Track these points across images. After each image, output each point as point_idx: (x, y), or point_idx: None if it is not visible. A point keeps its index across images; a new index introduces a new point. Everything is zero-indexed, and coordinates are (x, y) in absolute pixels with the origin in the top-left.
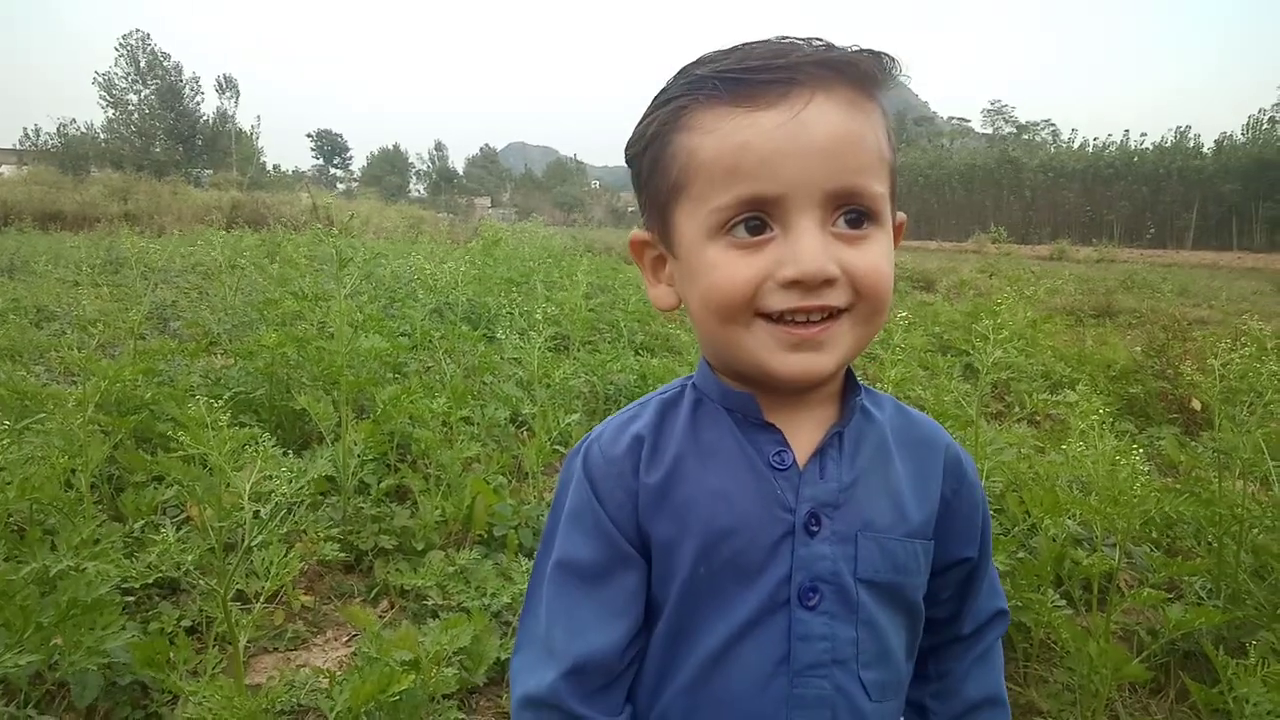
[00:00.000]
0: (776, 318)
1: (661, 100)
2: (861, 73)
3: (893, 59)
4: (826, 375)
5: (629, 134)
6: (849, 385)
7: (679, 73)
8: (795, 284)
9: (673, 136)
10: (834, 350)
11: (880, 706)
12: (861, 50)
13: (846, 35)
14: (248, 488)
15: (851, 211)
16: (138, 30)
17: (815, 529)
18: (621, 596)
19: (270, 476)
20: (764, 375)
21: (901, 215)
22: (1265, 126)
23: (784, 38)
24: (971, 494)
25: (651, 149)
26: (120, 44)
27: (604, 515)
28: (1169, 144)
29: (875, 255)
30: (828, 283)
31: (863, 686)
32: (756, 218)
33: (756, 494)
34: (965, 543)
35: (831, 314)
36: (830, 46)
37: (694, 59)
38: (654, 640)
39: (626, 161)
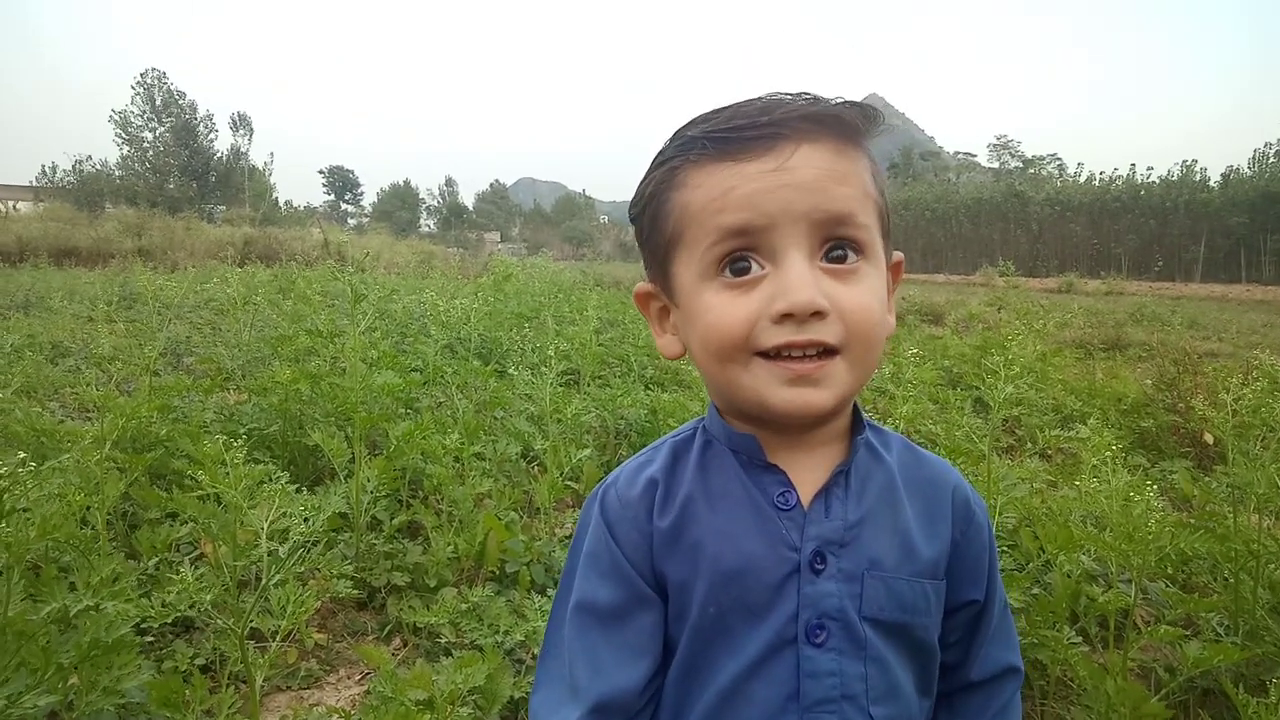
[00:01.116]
0: (773, 354)
1: (658, 162)
2: (845, 124)
3: (876, 111)
4: (825, 411)
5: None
6: (855, 424)
7: (673, 135)
8: (787, 317)
9: (668, 194)
10: (831, 387)
11: None
12: (846, 103)
13: (851, 76)
14: (265, 526)
15: (838, 246)
16: (154, 69)
17: (821, 567)
18: (641, 636)
19: (286, 514)
20: (764, 411)
21: (899, 254)
22: (1272, 160)
23: (774, 94)
24: (980, 535)
25: (650, 208)
26: (137, 82)
27: (621, 557)
28: (1175, 178)
29: (863, 292)
30: (818, 315)
31: None
32: (744, 257)
33: (761, 534)
34: (972, 585)
35: (826, 351)
36: (816, 100)
37: (686, 122)
38: (668, 678)
39: (630, 220)
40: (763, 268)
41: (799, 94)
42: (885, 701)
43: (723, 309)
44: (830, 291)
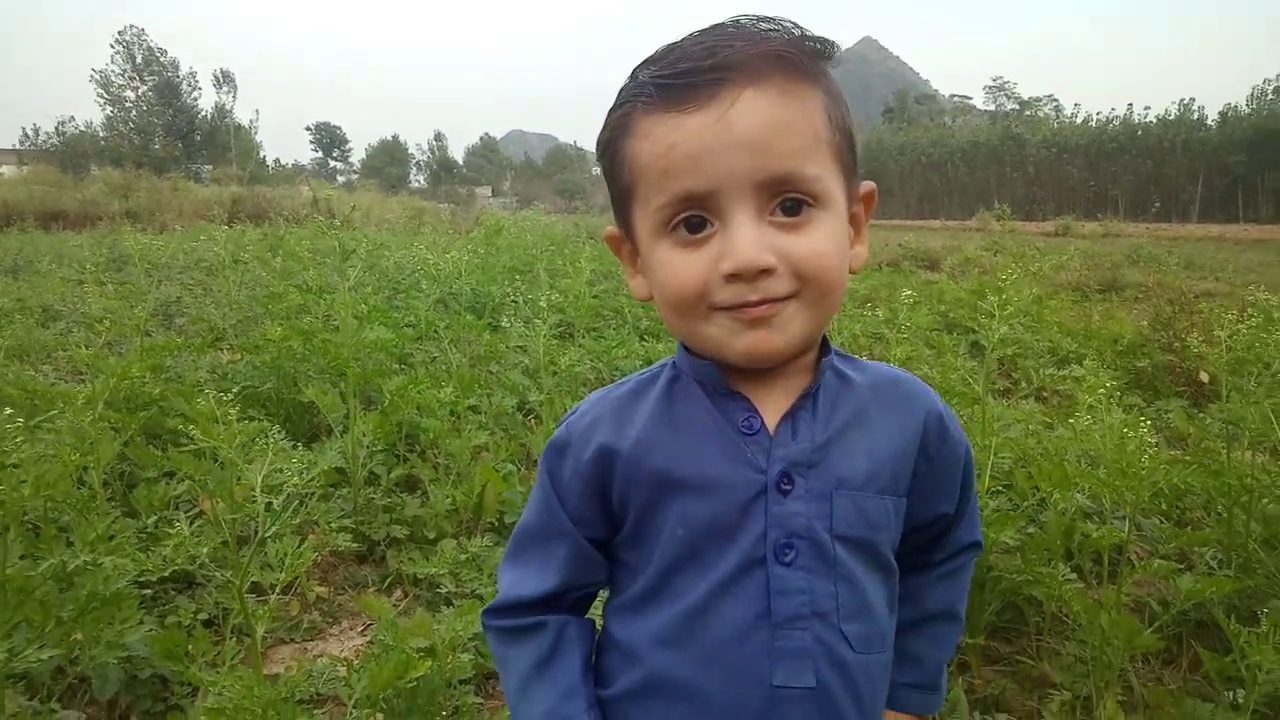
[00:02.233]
0: (729, 309)
1: (615, 105)
2: (791, 61)
3: (828, 42)
4: (778, 353)
5: None
6: (823, 350)
7: (630, 75)
8: (735, 277)
9: (622, 142)
10: (785, 330)
11: (864, 659)
12: (797, 37)
13: (845, 20)
14: (259, 480)
15: (788, 199)
16: (132, 26)
17: (788, 488)
18: (555, 556)
19: (281, 469)
20: (723, 359)
21: (868, 184)
22: (1270, 97)
23: (723, 27)
24: (954, 451)
25: (608, 154)
26: (116, 40)
27: (553, 494)
28: (1173, 116)
29: (816, 239)
30: (765, 272)
31: (845, 638)
32: (695, 215)
33: (726, 458)
34: (944, 498)
35: (778, 299)
36: (768, 35)
37: (641, 61)
38: (630, 597)
39: (598, 162)
40: (713, 225)
41: (755, 21)
42: (857, 619)
43: (676, 266)
44: (779, 244)
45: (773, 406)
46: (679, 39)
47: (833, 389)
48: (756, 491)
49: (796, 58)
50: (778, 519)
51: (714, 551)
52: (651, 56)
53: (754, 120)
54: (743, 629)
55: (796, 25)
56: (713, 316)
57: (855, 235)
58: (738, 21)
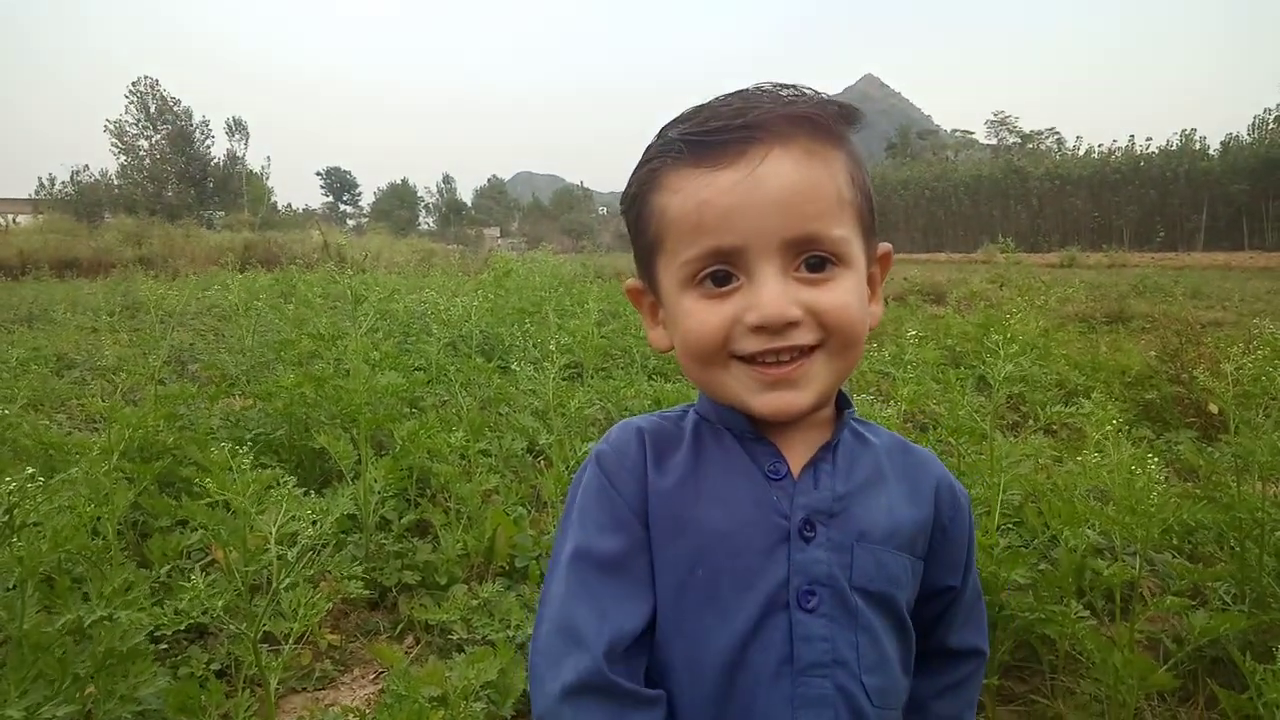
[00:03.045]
0: (750, 359)
1: (642, 161)
2: (818, 123)
3: (853, 108)
4: (804, 410)
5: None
6: (842, 405)
7: (658, 133)
8: (761, 328)
9: (650, 196)
10: (809, 386)
11: (881, 713)
12: (821, 100)
13: (846, 58)
14: (274, 531)
15: (813, 257)
16: (146, 77)
17: (810, 535)
18: (641, 583)
19: (295, 517)
20: (746, 411)
21: (885, 245)
22: (1271, 126)
23: (753, 89)
24: (963, 524)
25: (634, 207)
26: (130, 91)
27: (622, 503)
28: (1175, 147)
29: (840, 293)
30: (791, 325)
31: (864, 690)
32: (722, 269)
33: (752, 501)
34: (951, 572)
35: (803, 351)
36: (792, 99)
37: (671, 119)
38: (655, 637)
39: (622, 216)
40: (739, 279)
41: (778, 88)
42: (876, 672)
43: (700, 316)
44: (804, 298)
45: (795, 455)
46: (707, 100)
47: (850, 446)
48: (780, 537)
49: (822, 120)
50: (800, 565)
51: (733, 596)
52: (680, 116)
53: (782, 179)
54: (767, 676)
55: (818, 92)
56: (732, 366)
57: (871, 295)
58: (761, 87)
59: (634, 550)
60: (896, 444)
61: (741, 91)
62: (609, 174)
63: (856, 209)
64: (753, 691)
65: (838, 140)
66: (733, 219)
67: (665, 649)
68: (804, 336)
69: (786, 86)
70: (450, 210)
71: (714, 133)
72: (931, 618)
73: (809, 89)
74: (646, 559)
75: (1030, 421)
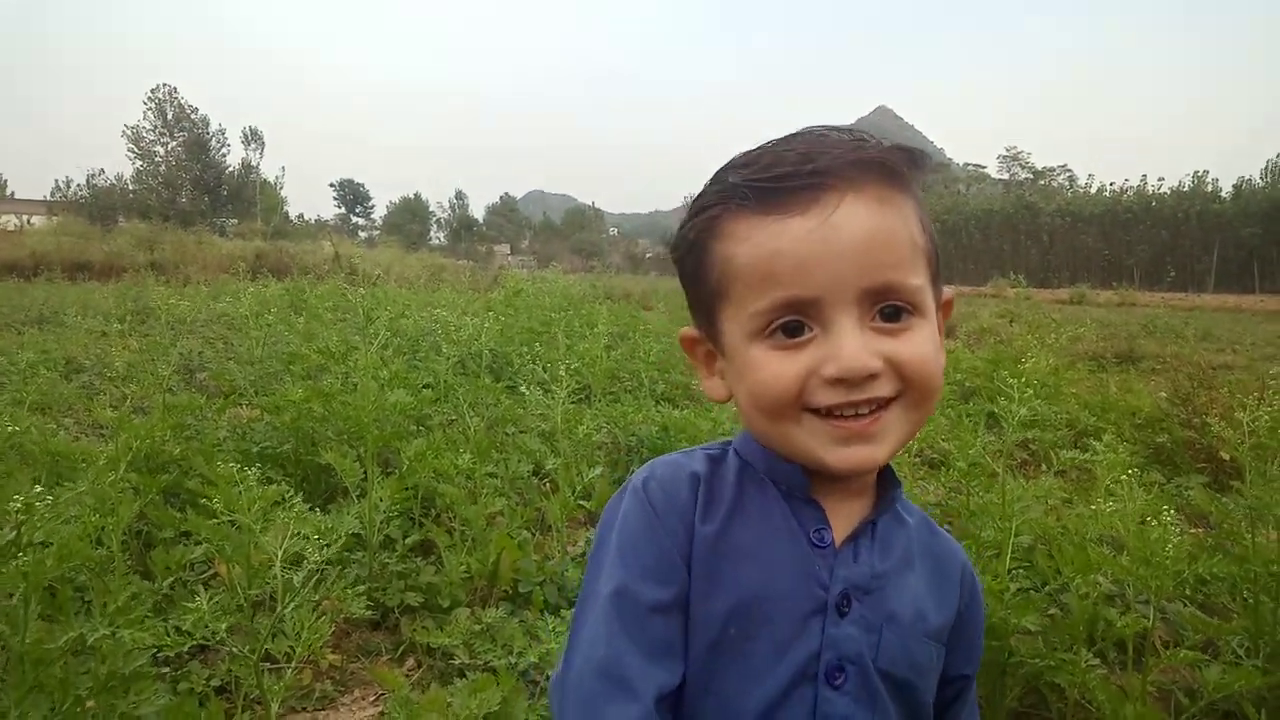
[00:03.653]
0: (825, 412)
1: (698, 208)
2: (889, 169)
3: (922, 152)
4: (879, 465)
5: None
6: (888, 478)
7: (713, 179)
8: (840, 381)
9: (710, 244)
10: (885, 441)
11: None
12: (891, 146)
13: (859, 89)
14: (279, 552)
15: (889, 306)
16: (164, 84)
17: (846, 610)
18: (679, 635)
19: (301, 535)
20: (819, 467)
21: (948, 293)
22: None
23: (815, 133)
24: (979, 613)
25: (692, 255)
26: (149, 97)
27: (670, 547)
28: (1187, 188)
29: (918, 343)
30: (871, 377)
31: None
32: (795, 320)
33: (795, 565)
34: (966, 660)
35: (880, 404)
36: (860, 144)
37: (727, 162)
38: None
39: (672, 261)
40: (813, 330)
41: (841, 133)
42: None
43: (773, 368)
44: (882, 349)
45: (837, 523)
46: (763, 145)
47: (887, 523)
48: (816, 608)
49: (893, 165)
50: (833, 640)
51: (765, 661)
52: (737, 161)
53: (858, 228)
54: None
55: (874, 136)
56: (804, 420)
57: None
58: (814, 130)
59: (679, 601)
60: (925, 525)
61: (801, 135)
62: (620, 196)
63: (928, 256)
64: None
65: (907, 186)
66: (808, 269)
67: (691, 705)
68: (883, 389)
69: (845, 130)
70: (462, 226)
71: (781, 179)
72: (940, 705)
73: (863, 132)
74: (685, 612)
75: (1040, 462)
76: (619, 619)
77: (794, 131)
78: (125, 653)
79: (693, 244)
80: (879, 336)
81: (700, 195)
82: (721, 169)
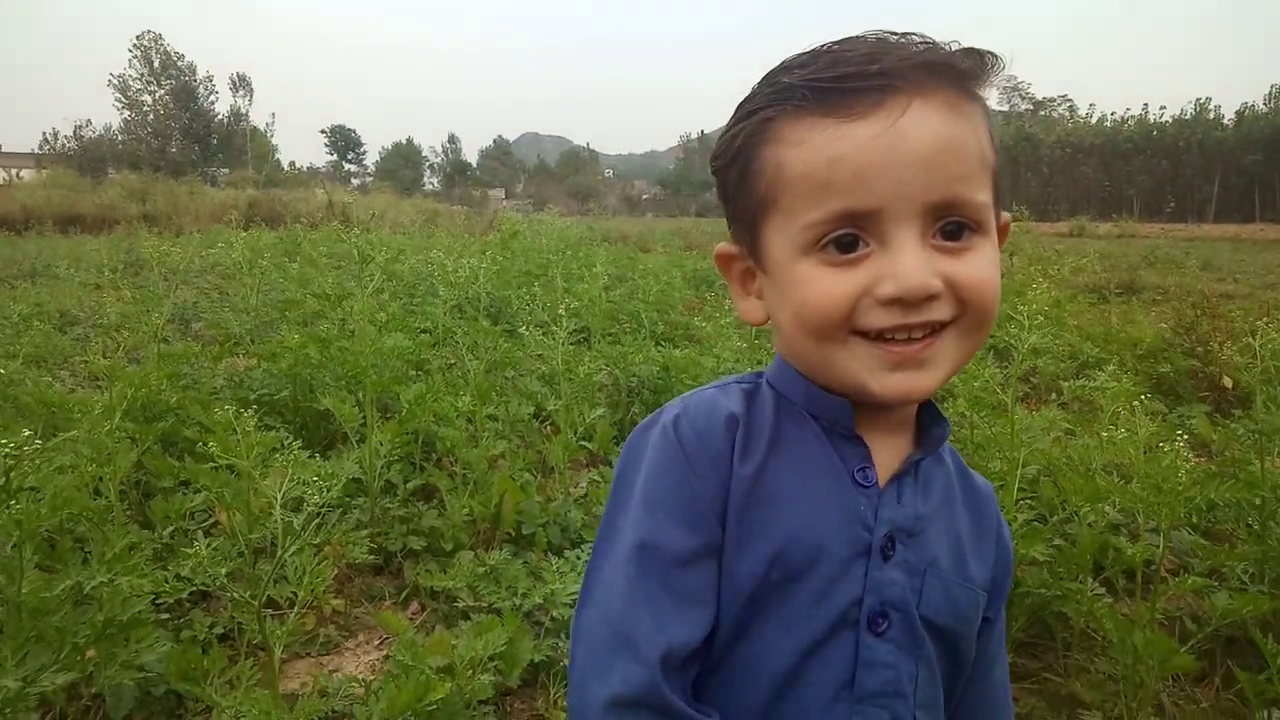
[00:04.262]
0: (875, 335)
1: (747, 111)
2: (961, 73)
3: (995, 56)
4: (929, 393)
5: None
6: (933, 417)
7: (764, 80)
8: (896, 301)
9: (759, 150)
10: (937, 368)
11: None
12: (962, 49)
13: (862, 6)
14: (279, 496)
15: (952, 223)
16: (150, 31)
17: (890, 553)
18: (708, 586)
19: (301, 480)
20: (863, 395)
21: (1006, 215)
22: None
23: (879, 33)
24: (1007, 556)
25: (738, 163)
26: (134, 45)
27: (703, 497)
28: (1189, 116)
29: (981, 265)
30: (930, 298)
31: None
32: (850, 234)
33: (838, 506)
34: (994, 603)
35: (934, 329)
36: (929, 45)
37: (779, 64)
38: (715, 640)
39: (712, 173)
40: (868, 245)
41: (906, 34)
42: (929, 708)
43: (823, 285)
44: (943, 268)
45: (881, 460)
46: (820, 45)
47: (929, 463)
48: (860, 550)
49: (965, 70)
50: (876, 584)
51: (804, 607)
52: (793, 61)
53: (927, 136)
54: (825, 698)
55: (954, 42)
56: (851, 343)
57: None
58: (878, 34)
59: (709, 551)
60: (959, 467)
61: (862, 37)
62: (615, 136)
63: (994, 173)
64: (805, 711)
65: (976, 94)
66: (870, 178)
67: (722, 653)
68: (940, 311)
69: (913, 34)
70: (455, 171)
71: (844, 79)
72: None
73: (932, 38)
74: (716, 559)
75: (1043, 393)
76: (641, 575)
77: (853, 35)
78: (122, 600)
79: (739, 150)
80: (940, 255)
81: (749, 98)
82: (773, 70)
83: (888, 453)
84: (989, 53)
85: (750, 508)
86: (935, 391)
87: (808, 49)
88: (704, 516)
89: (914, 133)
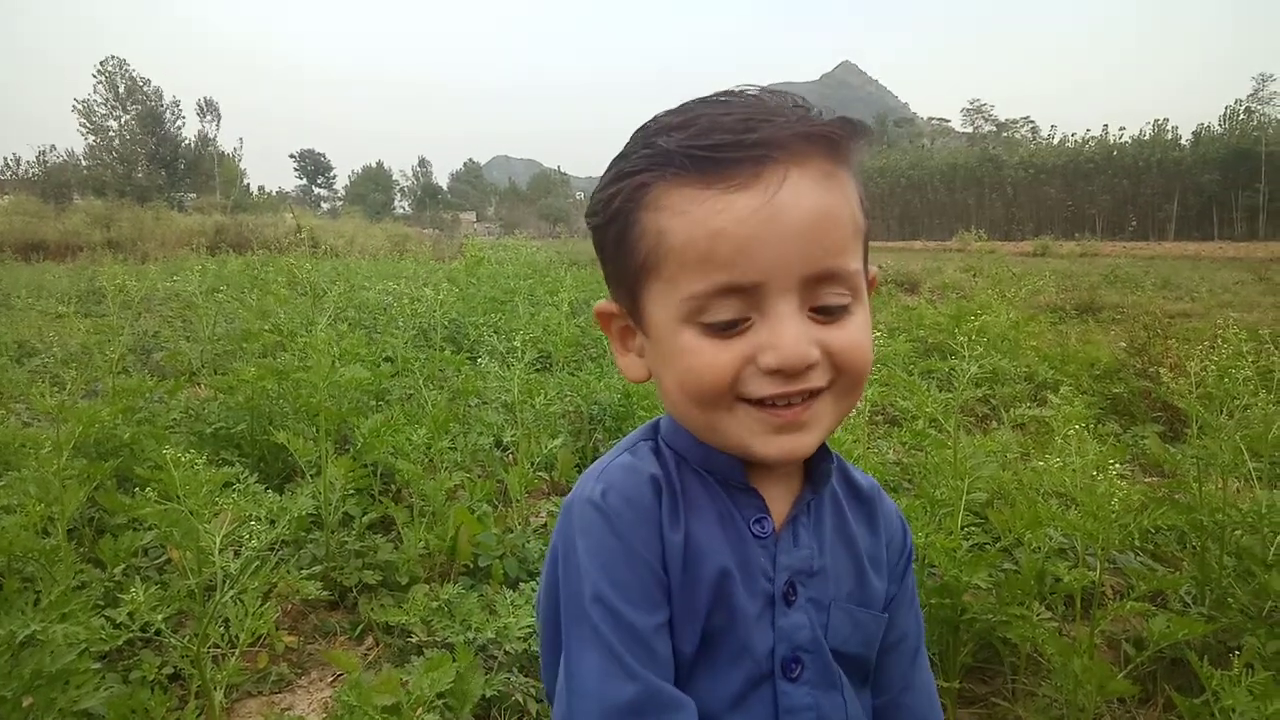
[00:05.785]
0: (757, 402)
1: (625, 171)
2: (835, 143)
3: (865, 125)
4: (810, 453)
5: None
6: (820, 454)
7: (639, 139)
8: (777, 371)
9: (639, 214)
10: (816, 428)
11: None
12: (835, 119)
13: (822, 44)
14: (218, 540)
15: (829, 295)
16: (114, 57)
17: (793, 598)
18: (668, 649)
19: (251, 517)
20: (749, 456)
21: (874, 269)
22: (1241, 117)
23: (753, 97)
24: (901, 536)
25: (616, 224)
26: (98, 70)
27: (653, 567)
28: (1148, 137)
29: (854, 330)
30: (809, 367)
31: None
32: (733, 313)
33: (739, 561)
34: (907, 613)
35: (813, 393)
36: (803, 113)
37: (653, 121)
38: None
39: (589, 228)
40: (748, 318)
41: (781, 99)
42: None
43: (706, 357)
44: (820, 336)
45: (775, 506)
46: (694, 103)
47: (821, 497)
48: (765, 602)
49: (839, 139)
50: (785, 632)
51: (724, 665)
52: (668, 122)
53: (804, 208)
54: None
55: (811, 103)
56: (738, 409)
57: None
58: (748, 90)
59: (667, 622)
60: (841, 473)
61: (739, 96)
62: (586, 159)
63: (864, 236)
64: None
65: (849, 160)
66: (751, 252)
67: None
68: (817, 379)
69: (787, 99)
70: (426, 194)
71: (721, 148)
72: (894, 675)
73: (799, 98)
74: (664, 600)
75: (1000, 415)
76: (616, 649)
77: (725, 92)
78: (54, 649)
79: (617, 212)
80: (816, 324)
81: (624, 156)
82: (647, 129)
83: (781, 497)
84: (859, 121)
85: (684, 575)
86: (814, 449)
87: (680, 106)
88: (659, 584)
89: (792, 206)
